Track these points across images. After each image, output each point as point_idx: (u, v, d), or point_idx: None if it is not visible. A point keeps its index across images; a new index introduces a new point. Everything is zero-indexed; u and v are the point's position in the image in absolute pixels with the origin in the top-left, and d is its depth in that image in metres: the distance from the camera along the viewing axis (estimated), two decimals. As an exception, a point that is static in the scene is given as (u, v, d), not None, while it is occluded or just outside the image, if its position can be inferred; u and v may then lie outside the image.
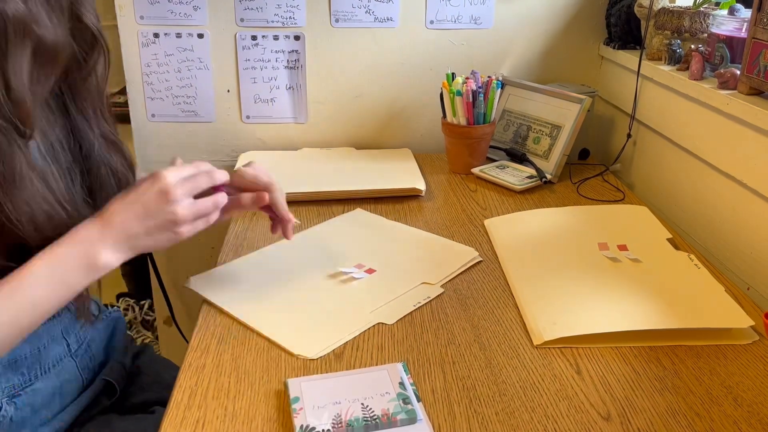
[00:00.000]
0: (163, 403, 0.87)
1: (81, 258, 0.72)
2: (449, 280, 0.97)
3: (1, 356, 0.72)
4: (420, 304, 0.90)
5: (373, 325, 0.86)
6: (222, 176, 0.82)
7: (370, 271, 0.98)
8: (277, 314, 0.89)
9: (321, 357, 0.80)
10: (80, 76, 0.80)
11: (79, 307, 0.80)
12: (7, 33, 0.66)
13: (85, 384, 0.89)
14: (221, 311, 0.89)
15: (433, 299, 0.92)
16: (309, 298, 0.92)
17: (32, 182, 0.71)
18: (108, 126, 0.86)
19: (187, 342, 0.84)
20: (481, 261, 1.02)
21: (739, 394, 0.75)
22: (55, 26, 0.71)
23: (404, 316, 0.88)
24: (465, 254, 1.03)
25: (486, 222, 1.15)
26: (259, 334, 0.84)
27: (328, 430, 0.66)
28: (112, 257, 0.74)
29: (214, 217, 0.81)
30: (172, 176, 0.75)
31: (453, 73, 1.37)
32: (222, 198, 0.81)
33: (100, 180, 0.83)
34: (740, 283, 1.02)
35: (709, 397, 0.74)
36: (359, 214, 1.19)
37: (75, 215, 0.76)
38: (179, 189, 0.75)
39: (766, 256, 0.99)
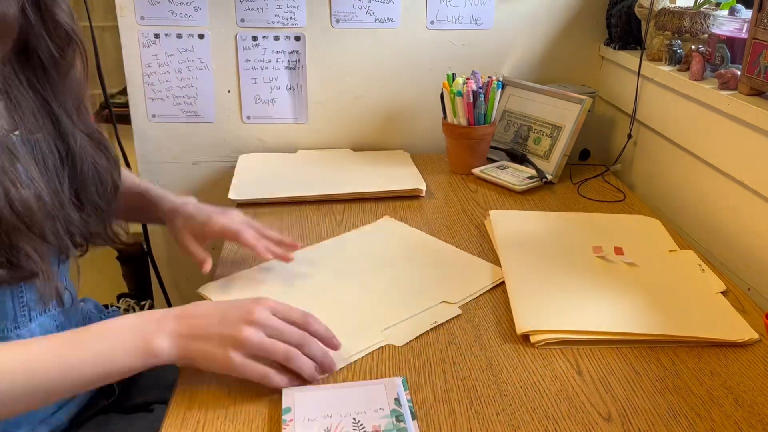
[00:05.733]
0: (163, 403, 0.87)
1: (137, 337, 0.70)
2: (469, 302, 0.92)
3: (32, 408, 0.70)
4: (427, 329, 0.86)
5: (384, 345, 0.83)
6: (319, 353, 0.74)
7: None
8: None
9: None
10: (59, 74, 0.80)
11: (43, 288, 0.77)
12: None
13: None
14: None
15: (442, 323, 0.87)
16: (324, 311, 0.84)
17: None
18: (92, 124, 0.87)
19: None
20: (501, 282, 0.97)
21: (740, 394, 0.75)
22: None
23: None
24: (492, 273, 0.99)
25: (490, 213, 1.15)
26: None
27: None
28: (166, 346, 0.70)
29: (273, 379, 0.72)
30: (271, 303, 0.73)
31: (453, 74, 1.37)
32: (281, 380, 0.72)
33: (84, 178, 0.83)
34: (741, 283, 1.02)
35: (709, 398, 0.74)
36: (387, 221, 1.17)
37: (48, 198, 0.75)
38: (264, 315, 0.71)
39: (767, 257, 0.99)
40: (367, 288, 0.96)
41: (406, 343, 0.83)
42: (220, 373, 0.72)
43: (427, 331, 0.85)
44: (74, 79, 0.82)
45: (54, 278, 0.78)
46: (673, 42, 1.25)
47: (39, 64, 0.78)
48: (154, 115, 1.47)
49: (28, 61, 0.78)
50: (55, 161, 0.80)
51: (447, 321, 0.87)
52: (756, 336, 0.83)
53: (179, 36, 1.42)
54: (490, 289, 0.95)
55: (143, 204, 1.02)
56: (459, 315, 0.89)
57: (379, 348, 0.82)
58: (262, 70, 1.46)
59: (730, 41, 1.14)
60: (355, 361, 0.79)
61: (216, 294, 0.94)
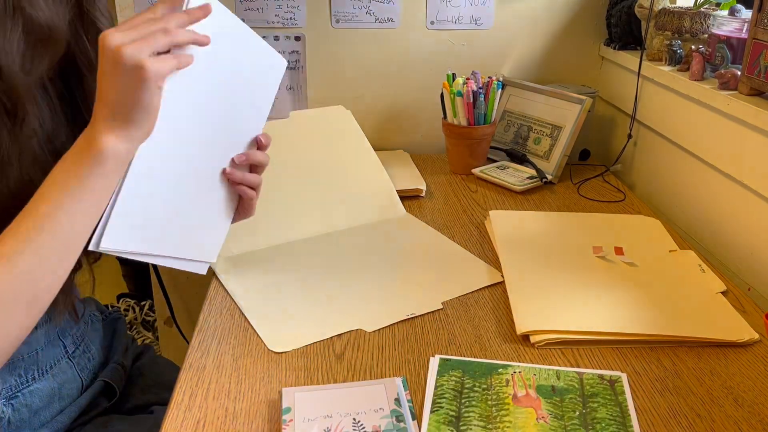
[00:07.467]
0: (164, 404, 0.87)
1: (85, 159, 0.66)
2: (469, 302, 0.93)
3: (51, 296, 0.67)
4: (401, 319, 0.88)
5: (367, 329, 0.86)
6: (180, 22, 0.68)
7: None
8: (272, 305, 0.91)
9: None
10: (93, 78, 0.80)
11: (61, 304, 0.78)
12: None
13: (84, 385, 0.89)
14: (221, 310, 0.89)
15: (417, 316, 0.88)
16: (312, 295, 0.94)
17: (18, 167, 0.71)
18: None
19: (188, 342, 0.84)
20: (499, 282, 0.97)
21: (740, 394, 0.75)
22: (50, 9, 0.71)
23: (388, 326, 0.87)
24: (490, 276, 0.99)
25: (490, 213, 1.15)
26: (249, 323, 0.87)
27: None
28: (112, 141, 0.66)
29: (181, 37, 0.67)
30: (116, 39, 0.65)
31: (453, 74, 1.37)
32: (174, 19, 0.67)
33: None
34: (741, 283, 1.02)
35: (710, 398, 0.74)
36: (410, 219, 1.18)
37: None
38: (129, 47, 0.64)
39: (767, 257, 0.99)
40: (358, 277, 0.98)
41: (377, 330, 0.85)
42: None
43: (421, 319, 0.86)
44: None
45: (72, 293, 0.78)
46: (673, 42, 1.25)
47: (74, 68, 0.78)
48: (154, 115, 1.47)
49: (67, 67, 0.78)
50: None
51: (447, 321, 0.87)
52: (756, 336, 0.83)
53: (179, 36, 1.42)
54: (481, 289, 0.96)
55: None
56: (459, 312, 0.89)
57: (376, 345, 0.82)
58: (262, 70, 1.45)
59: (730, 41, 1.14)
60: (355, 356, 0.79)
61: (228, 273, 0.99)
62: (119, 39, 0.65)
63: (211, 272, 0.99)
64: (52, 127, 0.76)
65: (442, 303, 0.91)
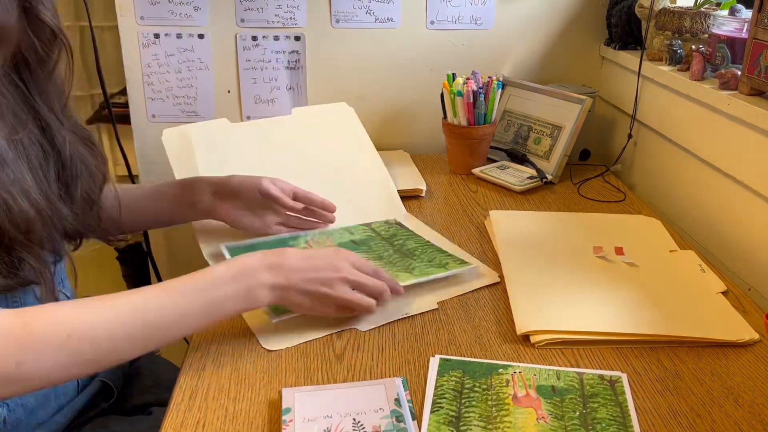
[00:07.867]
0: (163, 404, 0.87)
1: (242, 286, 0.76)
2: (452, 297, 0.93)
3: (121, 361, 0.73)
4: (396, 319, 0.88)
5: (357, 329, 0.86)
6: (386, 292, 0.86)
7: None
8: None
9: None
10: (44, 72, 0.80)
11: (43, 294, 0.78)
12: None
13: (81, 385, 0.88)
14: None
15: (412, 315, 0.88)
16: None
17: None
18: (78, 121, 0.87)
19: (187, 343, 0.84)
20: (498, 282, 0.97)
21: (740, 395, 0.75)
22: (1, 8, 0.71)
23: (383, 325, 0.86)
24: (489, 276, 0.98)
25: (491, 213, 1.15)
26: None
27: None
28: (267, 296, 0.78)
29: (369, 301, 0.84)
30: (351, 256, 0.84)
31: (453, 74, 1.37)
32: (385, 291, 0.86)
33: (74, 173, 0.83)
34: (741, 283, 1.02)
35: (710, 398, 0.74)
36: (410, 219, 1.17)
37: (45, 208, 0.75)
38: (350, 271, 0.82)
39: (767, 257, 0.99)
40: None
41: (370, 329, 0.85)
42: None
43: (421, 319, 0.86)
44: (59, 76, 0.82)
45: (53, 286, 0.78)
46: (674, 42, 1.25)
47: (24, 62, 0.78)
48: (154, 115, 1.47)
49: (12, 60, 0.78)
50: (40, 159, 0.79)
51: (447, 321, 0.87)
52: (756, 336, 0.83)
53: (179, 36, 1.42)
54: (481, 289, 0.96)
55: (177, 193, 1.05)
56: (459, 312, 0.89)
57: (373, 329, 0.83)
58: (262, 70, 1.46)
59: (731, 41, 1.14)
60: (355, 356, 0.79)
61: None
62: (362, 300, 0.83)
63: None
64: (12, 123, 0.76)
65: (440, 303, 0.91)
